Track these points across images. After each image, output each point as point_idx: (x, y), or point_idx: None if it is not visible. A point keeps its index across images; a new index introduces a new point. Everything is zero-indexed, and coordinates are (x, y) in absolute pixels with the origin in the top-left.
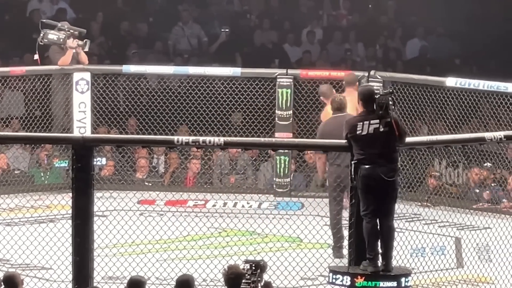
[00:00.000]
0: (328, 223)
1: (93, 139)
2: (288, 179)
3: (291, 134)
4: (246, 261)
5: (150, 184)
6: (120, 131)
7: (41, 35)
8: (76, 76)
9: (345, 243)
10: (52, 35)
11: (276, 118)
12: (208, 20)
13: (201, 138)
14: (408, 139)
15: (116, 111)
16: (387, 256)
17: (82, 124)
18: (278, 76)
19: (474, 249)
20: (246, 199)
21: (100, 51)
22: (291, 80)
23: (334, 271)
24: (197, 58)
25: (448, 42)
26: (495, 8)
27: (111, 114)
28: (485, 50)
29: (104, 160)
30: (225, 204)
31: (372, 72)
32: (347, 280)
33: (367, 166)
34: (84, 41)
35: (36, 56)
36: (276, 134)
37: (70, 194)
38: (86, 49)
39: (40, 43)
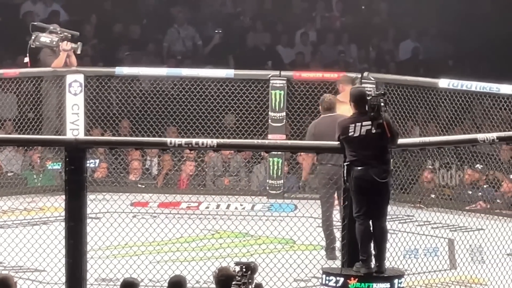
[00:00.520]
0: (321, 224)
1: (86, 141)
2: (281, 181)
3: (284, 136)
4: (237, 263)
5: (143, 186)
6: (113, 133)
7: (33, 38)
8: (69, 78)
9: (338, 244)
10: (45, 38)
11: (269, 120)
12: (201, 22)
13: (194, 140)
14: (401, 141)
15: (109, 113)
16: (380, 257)
17: (75, 126)
18: (271, 78)
19: (467, 251)
20: (239, 201)
21: (93, 53)
22: (284, 81)
23: (327, 272)
24: (190, 60)
25: (441, 43)
26: (488, 10)
27: (104, 116)
28: (478, 52)
29: (97, 162)
30: (218, 206)
31: (365, 74)
32: (340, 281)
33: (359, 168)
34: (78, 43)
35: (27, 59)
36: (269, 136)
37: (63, 196)
38: (79, 51)
39: (32, 46)
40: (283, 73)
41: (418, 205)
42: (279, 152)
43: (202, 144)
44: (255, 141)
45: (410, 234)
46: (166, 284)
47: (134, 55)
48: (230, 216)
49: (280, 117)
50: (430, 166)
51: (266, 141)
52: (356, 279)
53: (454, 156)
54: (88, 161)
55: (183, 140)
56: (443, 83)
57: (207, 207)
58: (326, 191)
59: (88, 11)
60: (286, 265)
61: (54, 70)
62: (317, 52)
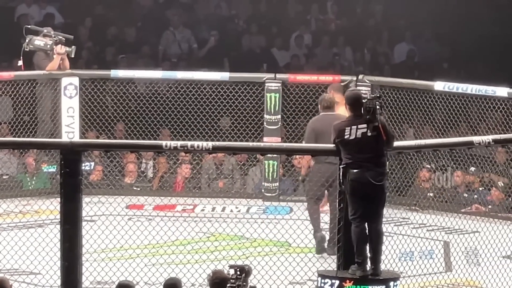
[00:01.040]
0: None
1: (81, 144)
2: (277, 184)
3: (280, 138)
4: (231, 266)
5: (138, 189)
6: (109, 135)
7: (27, 41)
8: (65, 81)
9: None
10: (39, 41)
11: (265, 123)
12: (196, 24)
13: (189, 143)
14: (396, 143)
15: (105, 115)
16: (375, 260)
17: (70, 129)
18: (266, 81)
19: (462, 253)
20: (234, 203)
21: (88, 56)
22: (279, 84)
23: (322, 275)
24: (185, 62)
25: (436, 46)
26: (483, 12)
27: (100, 119)
28: (473, 54)
29: (92, 165)
30: (213, 208)
31: (360, 77)
32: (335, 284)
33: (355, 171)
34: (72, 47)
35: (20, 62)
36: (265, 139)
37: (59, 199)
38: (73, 55)
39: (26, 49)
40: (278, 75)
41: (413, 207)
42: (274, 155)
43: (198, 147)
44: (250, 144)
45: (406, 237)
46: (161, 287)
47: (129, 58)
48: (225, 219)
49: (275, 120)
50: (427, 166)
51: (261, 144)
52: (352, 282)
53: (450, 158)
54: (83, 164)
55: (178, 143)
56: (439, 85)
57: (202, 210)
58: (318, 189)
59: (83, 14)
60: (281, 267)
61: (49, 73)
62: (312, 54)
